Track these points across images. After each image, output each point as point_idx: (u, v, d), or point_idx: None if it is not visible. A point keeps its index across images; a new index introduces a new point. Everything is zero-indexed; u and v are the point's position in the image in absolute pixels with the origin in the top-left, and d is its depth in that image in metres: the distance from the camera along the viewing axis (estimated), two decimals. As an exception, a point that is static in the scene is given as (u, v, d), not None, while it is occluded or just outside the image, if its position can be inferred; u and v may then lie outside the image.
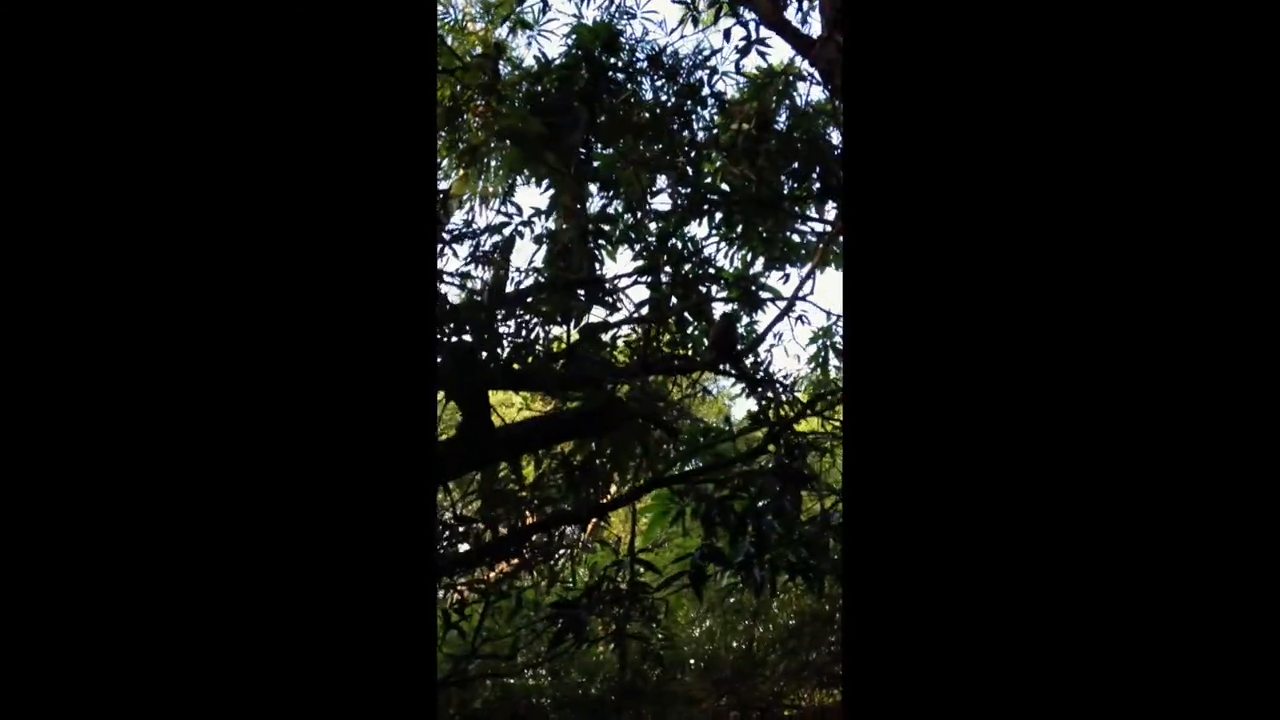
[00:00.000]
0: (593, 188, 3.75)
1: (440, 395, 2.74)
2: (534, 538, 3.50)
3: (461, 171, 4.44)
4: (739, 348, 3.65)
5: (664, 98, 3.81)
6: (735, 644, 4.59)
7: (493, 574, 3.60)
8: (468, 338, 2.42)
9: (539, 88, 3.73)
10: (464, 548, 3.27)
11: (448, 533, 3.31)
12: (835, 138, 3.69)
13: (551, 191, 3.69)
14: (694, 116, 3.78)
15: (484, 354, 2.47)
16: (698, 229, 3.85)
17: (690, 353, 3.69)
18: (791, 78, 3.77)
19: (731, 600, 4.53)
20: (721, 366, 3.62)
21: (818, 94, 3.85)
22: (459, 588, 3.60)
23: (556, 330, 3.10)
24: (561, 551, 3.70)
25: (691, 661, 4.70)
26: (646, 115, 3.75)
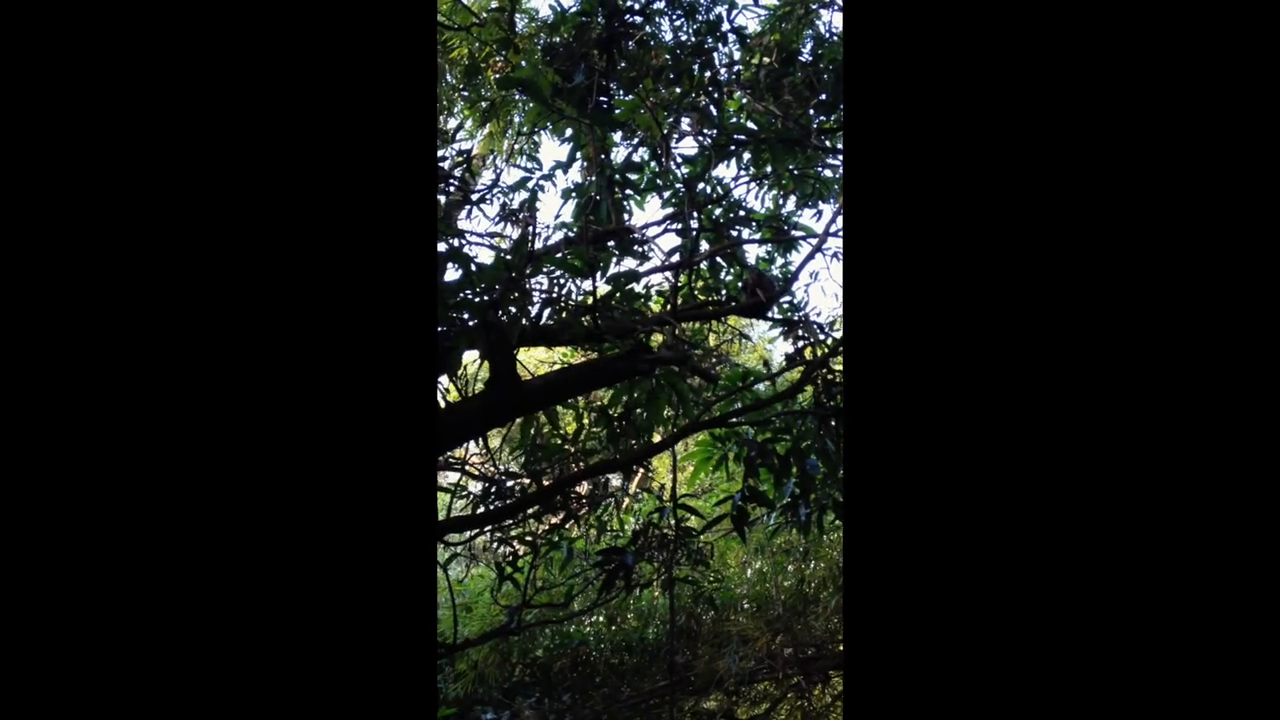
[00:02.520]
0: (616, 136, 3.70)
1: (475, 354, 2.77)
2: (580, 486, 3.55)
3: (486, 130, 4.42)
4: (776, 289, 3.60)
5: (683, 37, 3.71)
6: (786, 583, 4.63)
7: (542, 526, 3.67)
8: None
9: (556, 38, 3.66)
10: (509, 501, 3.34)
11: (494, 487, 3.38)
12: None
13: (571, 144, 3.65)
14: (715, 54, 3.67)
15: (513, 310, 2.48)
16: (725, 171, 3.77)
17: (724, 297, 3.66)
18: (814, 4, 3.63)
19: (780, 541, 4.56)
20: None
21: (840, 21, 3.70)
22: (510, 541, 3.69)
23: (587, 284, 3.10)
24: (608, 501, 3.76)
25: (745, 603, 4.77)
26: (667, 57, 3.66)
